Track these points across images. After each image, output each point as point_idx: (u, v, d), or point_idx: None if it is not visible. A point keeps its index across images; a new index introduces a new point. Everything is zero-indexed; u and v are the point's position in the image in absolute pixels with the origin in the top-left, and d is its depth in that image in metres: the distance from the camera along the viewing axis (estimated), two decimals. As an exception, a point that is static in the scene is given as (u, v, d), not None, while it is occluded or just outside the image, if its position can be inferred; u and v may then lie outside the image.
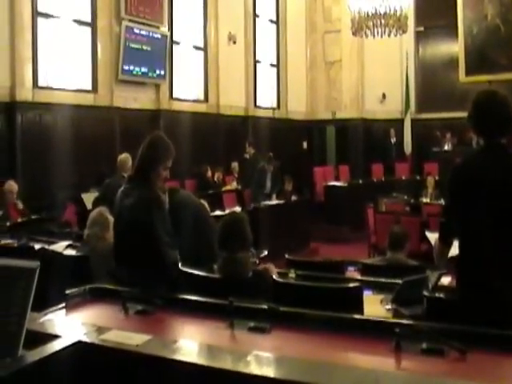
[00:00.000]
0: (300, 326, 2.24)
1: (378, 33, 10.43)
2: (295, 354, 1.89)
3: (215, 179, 10.71)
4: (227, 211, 7.68)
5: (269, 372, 1.52)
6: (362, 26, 10.49)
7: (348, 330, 2.17)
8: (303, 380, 1.47)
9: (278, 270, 3.76)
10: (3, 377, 0.89)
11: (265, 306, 2.39)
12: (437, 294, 2.95)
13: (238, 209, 8.12)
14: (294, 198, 10.38)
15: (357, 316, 2.41)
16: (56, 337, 1.04)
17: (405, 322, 2.29)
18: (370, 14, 10.28)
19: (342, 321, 2.25)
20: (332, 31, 15.16)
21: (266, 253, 5.08)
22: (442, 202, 8.49)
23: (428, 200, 10.01)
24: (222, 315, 2.34)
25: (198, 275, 3.24)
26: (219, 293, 2.54)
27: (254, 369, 1.54)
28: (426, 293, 2.90)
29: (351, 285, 3.18)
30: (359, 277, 4.14)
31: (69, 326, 1.10)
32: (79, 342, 1.02)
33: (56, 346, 1.01)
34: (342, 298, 2.97)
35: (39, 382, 0.92)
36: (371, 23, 10.36)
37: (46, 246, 4.82)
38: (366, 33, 10.55)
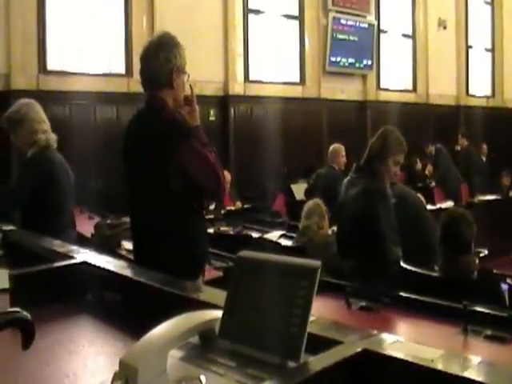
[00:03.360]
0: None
1: None
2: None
3: (426, 172, 10.25)
4: (438, 206, 7.30)
5: None
6: None
7: None
8: None
9: (499, 271, 3.45)
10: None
11: (505, 314, 2.16)
12: None
13: (450, 204, 7.66)
14: (512, 193, 9.59)
15: None
16: (335, 342, 0.94)
17: None
18: None
19: None
20: (557, 7, 13.69)
21: (486, 252, 4.71)
22: None
23: None
24: (450, 318, 2.16)
25: (419, 273, 3.07)
26: (441, 293, 2.39)
27: None
28: None
29: None
30: None
31: (344, 329, 0.99)
32: (365, 350, 0.91)
33: (342, 352, 0.91)
34: None
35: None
36: None
37: (261, 235, 4.94)
38: None
